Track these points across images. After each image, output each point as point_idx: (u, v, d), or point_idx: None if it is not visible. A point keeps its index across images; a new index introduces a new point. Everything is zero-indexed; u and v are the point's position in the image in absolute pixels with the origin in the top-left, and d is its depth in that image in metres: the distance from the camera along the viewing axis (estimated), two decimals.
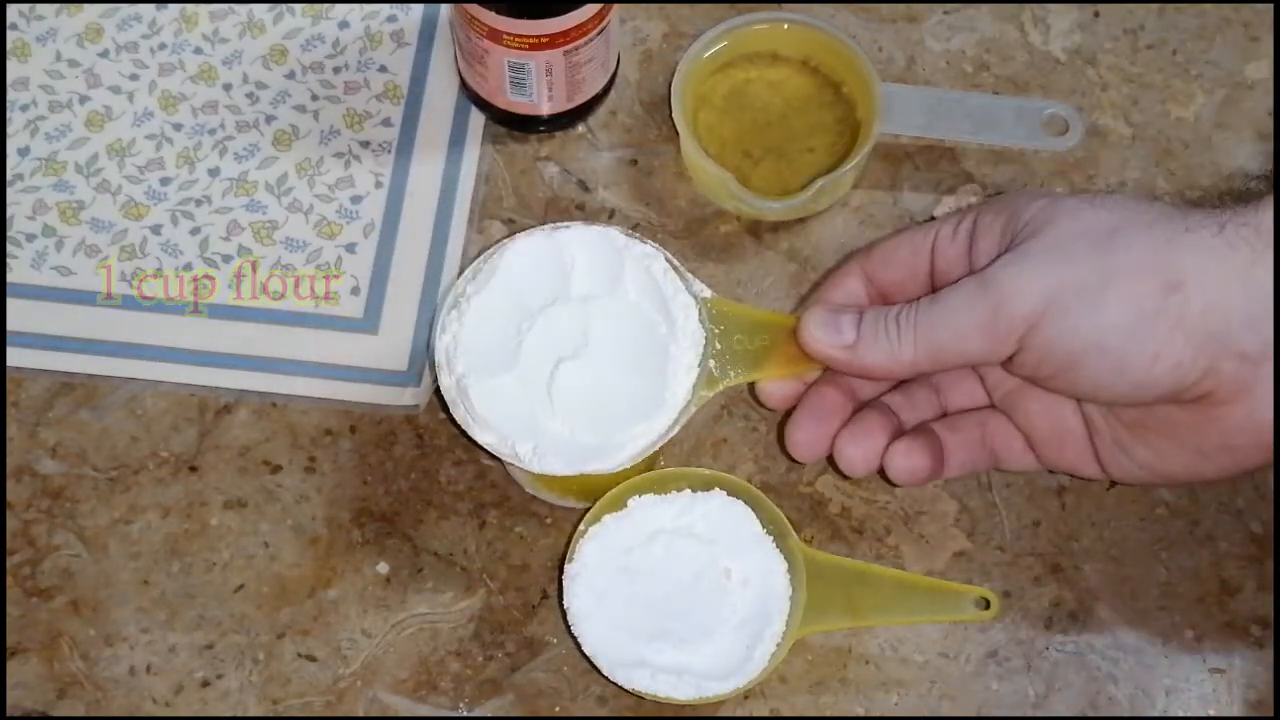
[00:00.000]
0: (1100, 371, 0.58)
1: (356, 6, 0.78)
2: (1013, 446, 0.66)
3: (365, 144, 0.76)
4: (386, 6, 0.78)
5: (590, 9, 0.69)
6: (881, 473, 0.64)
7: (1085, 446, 0.64)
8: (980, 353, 0.59)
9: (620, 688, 0.64)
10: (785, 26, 0.75)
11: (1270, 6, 0.80)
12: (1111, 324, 0.57)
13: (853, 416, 0.65)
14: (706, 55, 0.75)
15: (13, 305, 0.73)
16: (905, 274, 0.65)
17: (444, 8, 0.78)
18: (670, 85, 0.74)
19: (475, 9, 0.68)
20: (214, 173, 0.76)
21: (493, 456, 0.65)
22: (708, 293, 0.66)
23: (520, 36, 0.69)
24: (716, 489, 0.67)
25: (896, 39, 0.78)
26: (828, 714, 0.68)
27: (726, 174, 0.73)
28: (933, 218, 0.75)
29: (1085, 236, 0.58)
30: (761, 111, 0.76)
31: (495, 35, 0.69)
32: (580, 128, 0.77)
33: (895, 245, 0.65)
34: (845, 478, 0.70)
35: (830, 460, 0.65)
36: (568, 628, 0.65)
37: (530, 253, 0.66)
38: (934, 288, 0.63)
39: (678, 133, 0.74)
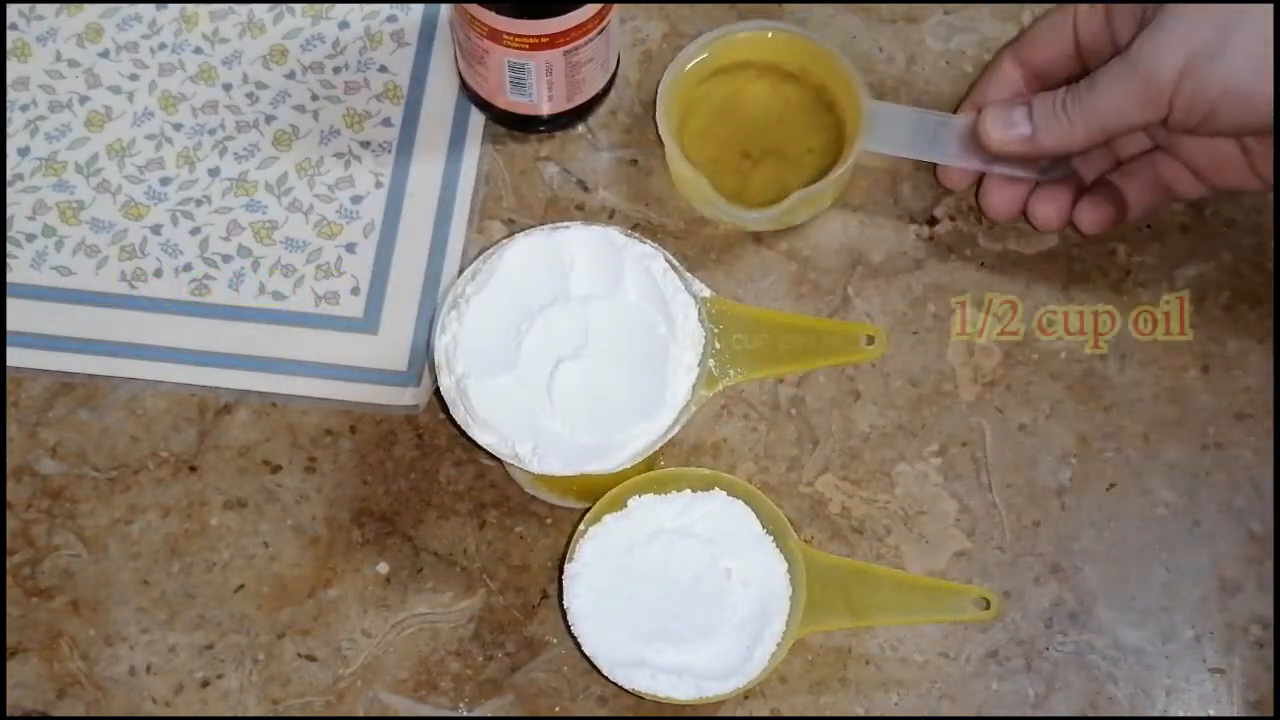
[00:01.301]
0: (1236, 112, 0.66)
1: (356, 6, 0.78)
2: (1182, 178, 0.73)
3: (365, 144, 0.76)
4: (386, 6, 0.78)
5: (590, 9, 0.69)
6: (1073, 225, 0.73)
7: (1243, 167, 0.71)
8: (1141, 120, 0.67)
9: (620, 688, 0.64)
10: (769, 35, 0.75)
11: None
12: (1235, 71, 0.65)
13: (1039, 183, 0.73)
14: (689, 66, 0.74)
15: (13, 305, 0.73)
16: (1054, 53, 0.72)
17: (444, 8, 0.78)
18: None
19: (475, 9, 0.68)
20: (214, 173, 0.76)
21: (493, 456, 0.65)
22: (707, 292, 0.66)
23: (520, 36, 0.69)
24: (716, 489, 0.67)
25: (896, 39, 0.78)
26: (828, 714, 0.68)
27: (703, 180, 0.72)
28: (933, 218, 0.75)
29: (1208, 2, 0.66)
30: (760, 115, 0.75)
31: (495, 35, 0.69)
32: (580, 128, 0.77)
33: (1039, 30, 0.73)
34: (846, 478, 0.71)
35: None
36: (568, 628, 0.65)
37: (530, 253, 0.66)
38: (1081, 60, 0.71)
39: None
